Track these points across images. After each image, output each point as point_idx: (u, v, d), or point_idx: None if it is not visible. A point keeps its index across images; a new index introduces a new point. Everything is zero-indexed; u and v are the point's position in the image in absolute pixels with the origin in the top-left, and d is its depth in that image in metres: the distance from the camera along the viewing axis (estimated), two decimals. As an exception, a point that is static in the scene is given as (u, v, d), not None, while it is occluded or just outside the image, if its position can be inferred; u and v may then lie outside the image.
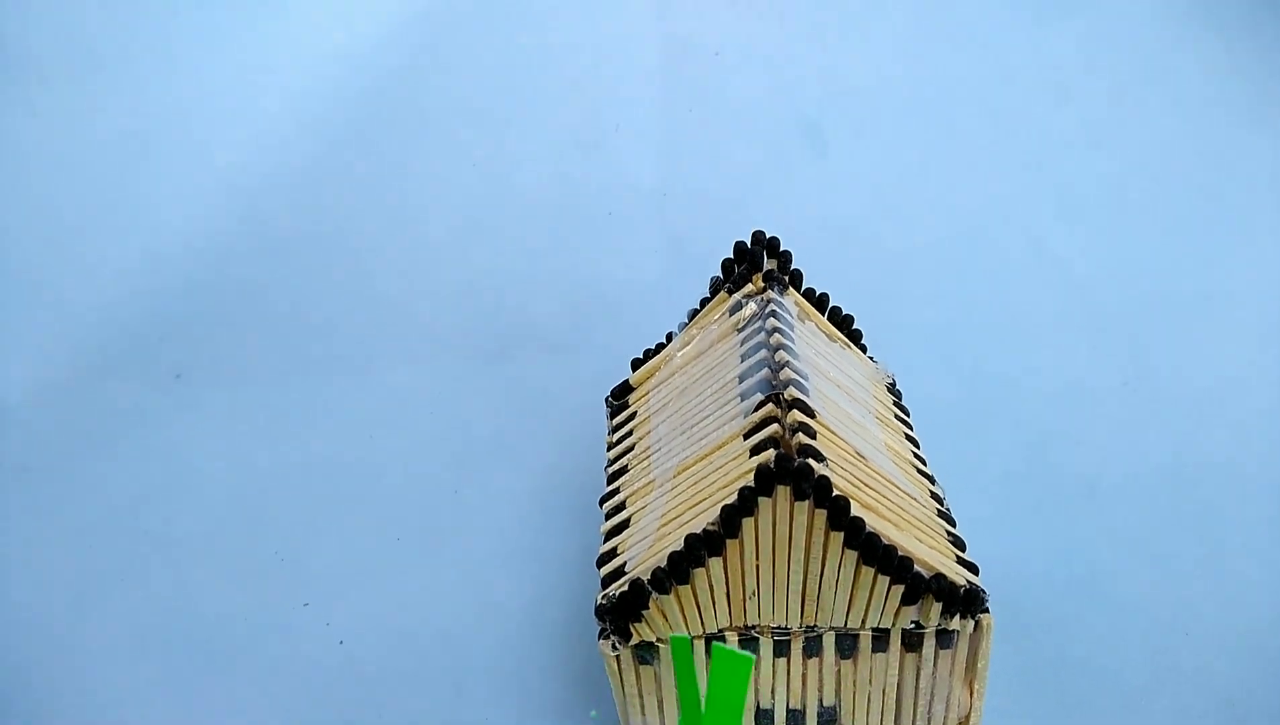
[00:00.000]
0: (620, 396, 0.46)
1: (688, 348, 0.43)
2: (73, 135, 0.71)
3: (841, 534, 0.33)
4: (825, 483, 0.32)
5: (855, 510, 0.33)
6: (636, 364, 0.47)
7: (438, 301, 0.66)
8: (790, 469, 0.32)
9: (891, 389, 0.45)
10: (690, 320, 0.45)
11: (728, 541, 0.33)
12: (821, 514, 0.32)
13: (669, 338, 0.46)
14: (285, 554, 0.53)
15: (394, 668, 0.45)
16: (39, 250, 0.70)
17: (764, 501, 0.32)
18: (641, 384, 0.46)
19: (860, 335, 0.47)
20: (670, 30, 0.71)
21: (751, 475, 0.32)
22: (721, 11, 0.70)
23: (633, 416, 0.44)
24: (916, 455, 0.41)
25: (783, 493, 0.32)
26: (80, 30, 0.70)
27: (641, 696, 0.36)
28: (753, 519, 0.33)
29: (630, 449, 0.42)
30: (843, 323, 0.46)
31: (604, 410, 0.47)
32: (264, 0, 0.71)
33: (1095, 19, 0.67)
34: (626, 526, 0.38)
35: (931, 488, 0.40)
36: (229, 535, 0.55)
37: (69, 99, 0.70)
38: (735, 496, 0.33)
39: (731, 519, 0.33)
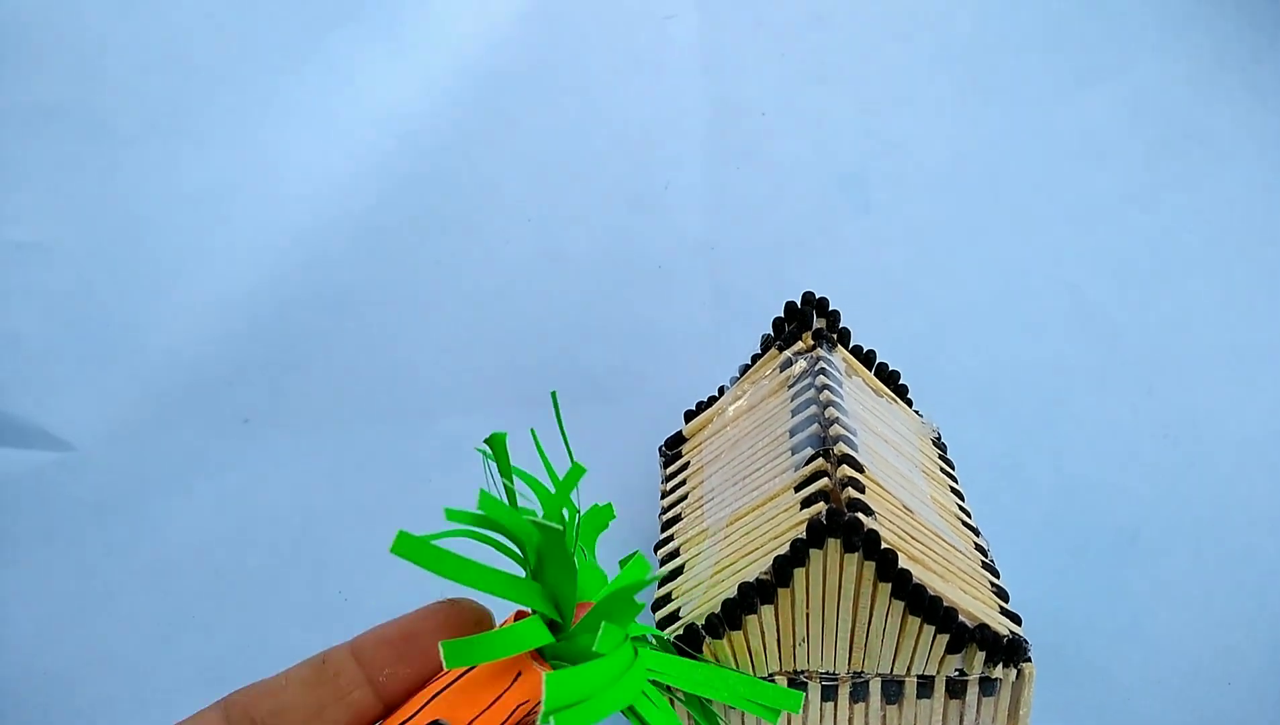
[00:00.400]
0: (674, 446, 0.48)
1: (740, 402, 0.45)
2: (150, 191, 0.74)
3: (889, 585, 0.34)
4: (874, 536, 0.34)
5: (903, 562, 0.34)
6: (690, 416, 0.49)
7: (494, 352, 0.69)
8: (840, 522, 0.34)
9: (937, 443, 0.47)
10: (742, 375, 0.47)
11: (779, 590, 0.35)
12: (870, 565, 0.34)
13: (721, 391, 0.48)
14: (349, 593, 0.55)
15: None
16: (116, 299, 0.74)
17: (815, 553, 0.34)
18: (694, 435, 0.48)
19: (906, 390, 0.48)
20: (717, 90, 0.73)
21: (803, 527, 0.34)
22: (767, 71, 0.73)
23: (686, 466, 0.46)
24: (961, 508, 0.43)
25: (833, 545, 0.34)
26: (159, 92, 0.74)
27: (695, 738, 0.38)
28: (804, 569, 0.34)
29: (684, 498, 0.44)
30: (889, 378, 0.47)
31: (657, 459, 0.49)
32: (332, 65, 0.74)
33: (1134, 80, 0.69)
34: (680, 573, 0.40)
35: (976, 539, 0.41)
36: (295, 575, 0.57)
37: (148, 156, 0.74)
38: (788, 547, 0.34)
39: (784, 569, 0.34)
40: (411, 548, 0.26)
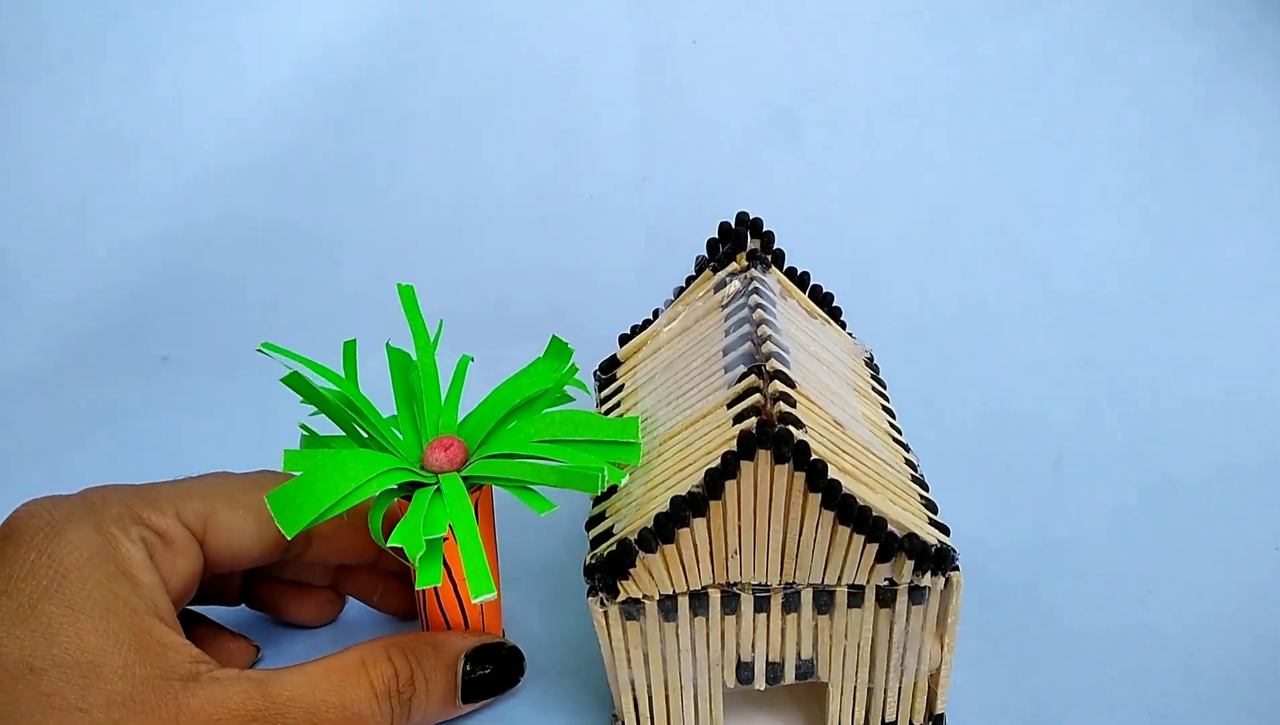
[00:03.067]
0: (608, 370, 0.48)
1: (673, 323, 0.45)
2: (50, 130, 0.71)
3: (819, 495, 0.35)
4: (804, 447, 0.34)
5: (832, 473, 0.35)
6: (624, 339, 0.48)
7: (421, 286, 0.67)
8: (771, 434, 0.34)
9: (869, 363, 0.47)
10: (676, 297, 0.47)
11: (711, 503, 0.35)
12: (800, 476, 0.34)
13: (655, 314, 0.48)
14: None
15: (389, 628, 0.47)
16: (15, 246, 0.71)
17: (746, 465, 0.34)
18: (628, 358, 0.47)
19: (839, 312, 0.49)
20: (646, 20, 0.72)
21: (734, 442, 0.34)
22: (696, 1, 0.72)
23: (620, 389, 0.46)
24: (892, 425, 0.44)
25: (763, 457, 0.34)
26: (56, 27, 0.71)
27: (628, 650, 0.38)
28: (735, 481, 0.35)
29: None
30: (823, 301, 0.48)
31: (591, 386, 0.49)
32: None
33: (1055, 14, 0.69)
34: (614, 491, 0.40)
35: (906, 455, 0.42)
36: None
37: (45, 94, 0.71)
38: (719, 461, 0.34)
39: (715, 481, 0.35)
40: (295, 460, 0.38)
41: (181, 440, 0.62)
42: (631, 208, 0.69)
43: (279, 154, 0.73)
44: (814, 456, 0.34)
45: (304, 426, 0.42)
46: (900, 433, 0.44)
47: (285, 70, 0.73)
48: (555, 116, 0.72)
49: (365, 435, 0.41)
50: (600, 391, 0.47)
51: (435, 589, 0.41)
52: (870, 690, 0.40)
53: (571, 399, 0.43)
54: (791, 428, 0.34)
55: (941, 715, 0.40)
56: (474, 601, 0.37)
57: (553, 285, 0.68)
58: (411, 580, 0.40)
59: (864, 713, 0.40)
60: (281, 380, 0.40)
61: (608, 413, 0.45)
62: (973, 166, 0.69)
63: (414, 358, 0.43)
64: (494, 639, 0.42)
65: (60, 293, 0.70)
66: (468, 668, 0.41)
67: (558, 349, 0.43)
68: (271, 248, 0.72)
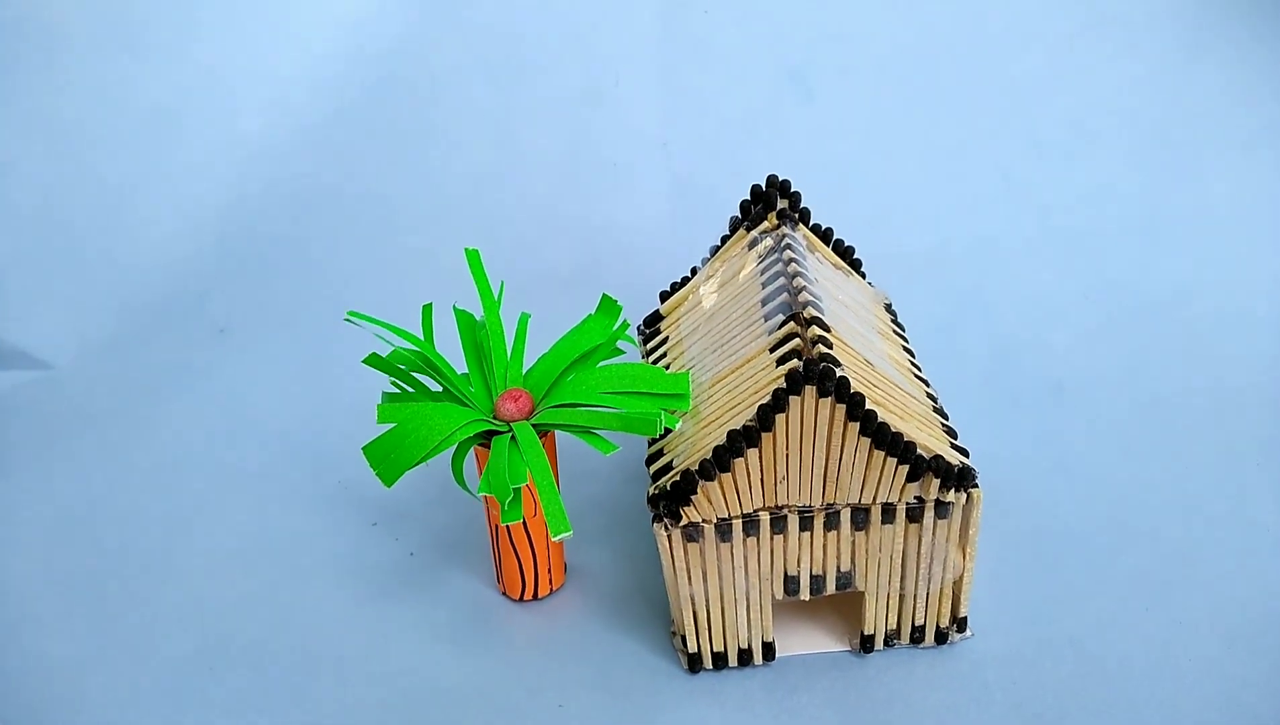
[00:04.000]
0: (651, 324, 0.52)
1: (712, 279, 0.50)
2: (106, 104, 0.74)
3: (858, 424, 0.39)
4: (845, 382, 0.39)
5: (868, 405, 0.39)
6: (664, 296, 0.53)
7: (460, 250, 0.72)
8: (816, 372, 0.38)
9: (888, 308, 0.52)
10: (712, 256, 0.52)
11: (763, 434, 0.40)
12: (841, 408, 0.39)
13: (693, 272, 0.52)
14: (348, 482, 0.59)
15: (460, 567, 0.52)
16: (80, 216, 0.74)
17: (794, 399, 0.39)
18: (671, 312, 0.52)
19: (860, 263, 0.53)
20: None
21: (781, 380, 0.39)
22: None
23: (665, 341, 0.50)
24: (912, 362, 0.48)
25: (809, 392, 0.39)
26: (107, 7, 0.73)
27: (689, 569, 0.43)
28: (784, 415, 0.39)
29: (667, 368, 0.49)
30: (845, 253, 0.52)
31: (636, 338, 0.53)
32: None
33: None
34: (669, 431, 0.45)
35: (927, 388, 0.47)
36: (292, 469, 0.60)
37: (100, 72, 0.74)
38: (769, 397, 0.39)
39: (767, 415, 0.39)
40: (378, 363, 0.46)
41: (246, 400, 0.66)
42: (656, 168, 0.73)
43: (321, 123, 0.76)
44: (853, 390, 0.39)
45: (388, 393, 0.46)
46: (920, 369, 0.48)
47: (322, 42, 0.76)
48: (578, 82, 0.75)
49: (441, 390, 0.46)
50: (645, 343, 0.52)
51: (509, 525, 0.46)
52: (902, 597, 0.45)
53: (622, 352, 0.47)
54: (831, 365, 0.39)
55: (964, 618, 0.46)
56: (553, 539, 0.42)
57: (584, 243, 0.72)
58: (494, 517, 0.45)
59: (896, 618, 0.45)
60: (363, 361, 0.44)
61: (654, 363, 0.50)
62: (976, 114, 0.73)
63: (478, 318, 0.47)
64: None
65: (125, 263, 0.74)
66: None
67: (608, 306, 0.48)
68: (319, 212, 0.75)
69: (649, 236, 0.71)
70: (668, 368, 0.49)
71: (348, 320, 0.46)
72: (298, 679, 0.47)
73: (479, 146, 0.75)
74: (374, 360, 0.45)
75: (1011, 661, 0.45)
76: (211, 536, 0.56)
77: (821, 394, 0.39)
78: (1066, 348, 0.63)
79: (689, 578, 0.43)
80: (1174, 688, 0.43)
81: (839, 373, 0.39)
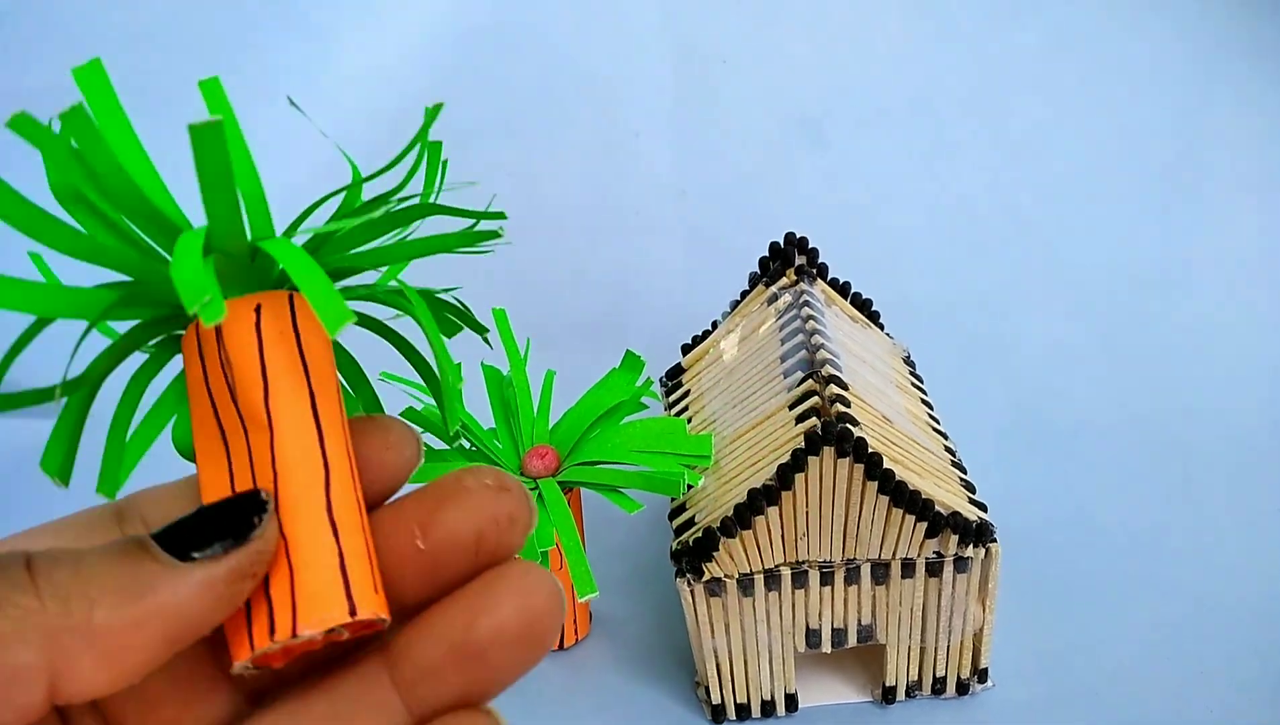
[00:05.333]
0: (673, 377, 0.53)
1: (732, 334, 0.51)
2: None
3: (876, 483, 0.40)
4: (863, 443, 0.39)
5: (886, 464, 0.40)
6: (686, 349, 0.54)
7: (481, 303, 0.73)
8: (833, 433, 0.39)
9: (907, 361, 0.53)
10: (732, 310, 0.53)
11: (783, 493, 0.41)
12: (859, 468, 0.40)
13: (714, 326, 0.54)
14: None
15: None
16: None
17: (812, 459, 0.40)
18: (692, 366, 0.53)
19: (878, 316, 0.54)
20: (678, 38, 0.77)
21: (800, 439, 0.40)
22: (726, 17, 0.77)
23: (687, 393, 0.52)
24: (931, 416, 0.49)
25: (828, 452, 0.40)
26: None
27: (711, 623, 0.44)
28: (803, 474, 0.40)
29: (689, 421, 0.50)
30: (863, 306, 0.53)
31: (658, 391, 0.54)
32: (296, 26, 0.77)
33: (1061, 13, 0.74)
34: (692, 486, 0.46)
35: (945, 442, 0.47)
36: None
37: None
38: (788, 457, 0.40)
39: (786, 474, 0.40)
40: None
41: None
42: (672, 219, 0.75)
43: (342, 177, 0.78)
44: (870, 450, 0.40)
45: (424, 444, 0.48)
46: (938, 422, 0.49)
47: (342, 98, 0.78)
48: (598, 134, 0.77)
49: (471, 448, 0.47)
50: (668, 396, 0.53)
51: None
52: (923, 649, 0.45)
53: (646, 407, 0.49)
54: (849, 426, 0.40)
55: (985, 669, 0.46)
56: (580, 600, 0.42)
57: (605, 295, 0.73)
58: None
59: (918, 669, 0.46)
60: (400, 413, 0.46)
61: (676, 415, 0.51)
62: (987, 163, 0.74)
63: (505, 373, 0.49)
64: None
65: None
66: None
67: (631, 362, 0.49)
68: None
69: (668, 286, 0.72)
70: (689, 421, 0.50)
71: (381, 379, 0.47)
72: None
73: (497, 200, 0.76)
74: (410, 414, 0.46)
75: (1032, 711, 0.46)
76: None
77: (840, 454, 0.40)
78: (1083, 396, 0.64)
79: (712, 631, 0.44)
80: (1195, 740, 0.44)
81: (856, 433, 0.40)
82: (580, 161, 0.76)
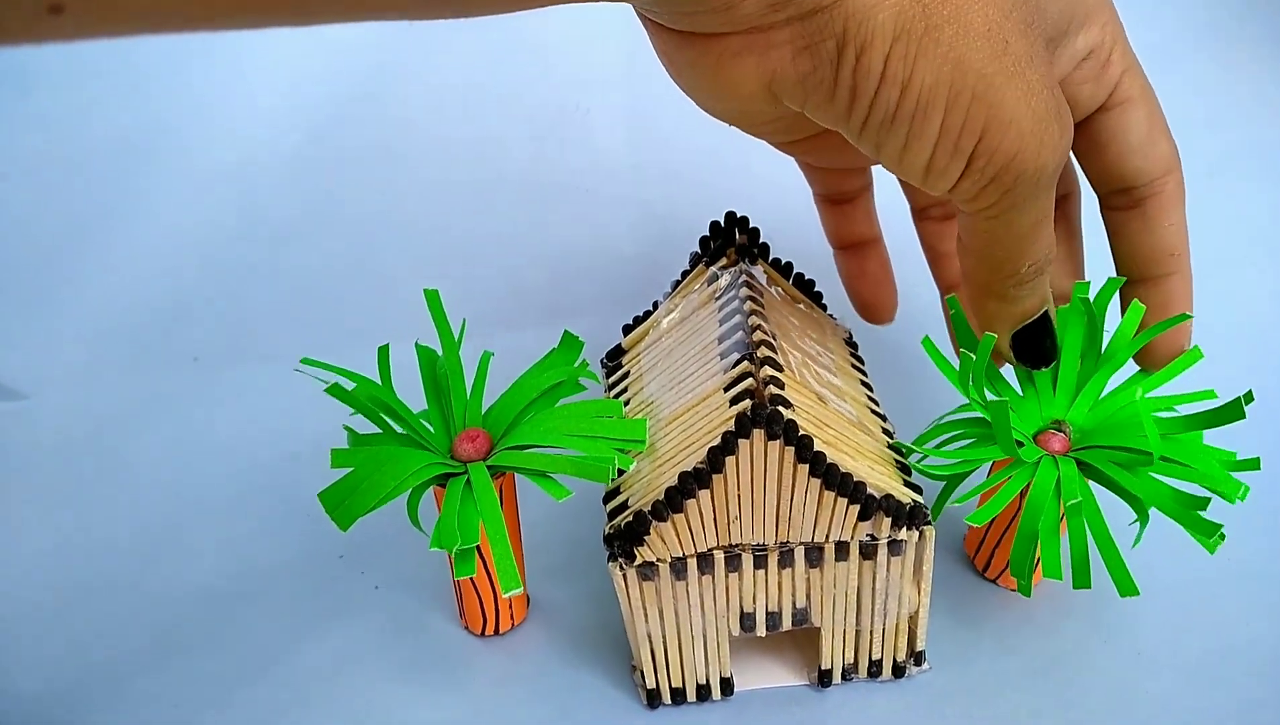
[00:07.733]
0: (614, 358, 0.53)
1: (672, 314, 0.50)
2: (78, 133, 0.75)
3: (807, 466, 0.40)
4: (793, 425, 0.39)
5: (818, 446, 0.40)
6: (627, 330, 0.53)
7: (430, 280, 0.72)
8: (764, 415, 0.39)
9: (849, 342, 0.52)
10: (673, 290, 0.52)
11: (714, 476, 0.40)
12: (790, 450, 0.39)
13: (655, 306, 0.53)
14: (317, 514, 0.59)
15: (425, 601, 0.52)
16: (53, 245, 0.74)
17: (743, 442, 0.39)
18: (633, 347, 0.52)
19: (821, 296, 0.53)
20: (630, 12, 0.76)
21: (732, 422, 0.39)
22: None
23: (626, 375, 0.51)
24: (870, 397, 0.49)
25: (758, 435, 0.39)
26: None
27: (645, 607, 0.43)
28: (734, 457, 0.40)
29: (627, 403, 0.49)
30: (806, 286, 0.53)
31: (599, 372, 0.54)
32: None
33: None
34: (624, 471, 0.45)
35: (884, 425, 0.47)
36: (262, 499, 0.61)
37: (72, 101, 0.74)
38: (719, 439, 0.39)
39: (716, 457, 0.40)
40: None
41: (218, 430, 0.66)
42: (621, 201, 0.74)
43: (292, 153, 0.76)
44: (801, 432, 0.39)
45: (348, 428, 0.47)
46: (878, 403, 0.49)
47: (294, 73, 0.76)
48: (547, 107, 0.76)
49: (400, 432, 0.46)
50: (608, 377, 0.52)
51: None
52: (858, 632, 0.45)
53: (584, 388, 0.48)
54: (781, 408, 0.39)
55: (921, 652, 0.46)
56: (504, 596, 0.42)
57: (554, 271, 0.72)
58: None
59: (853, 652, 0.46)
60: (326, 390, 0.45)
61: (615, 396, 0.50)
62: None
63: (440, 355, 0.48)
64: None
65: (97, 292, 0.74)
66: None
67: (569, 342, 0.48)
68: (291, 243, 0.76)
69: (618, 264, 0.71)
70: (627, 403, 0.49)
71: (298, 370, 0.46)
72: (263, 714, 0.47)
73: (447, 175, 0.75)
74: (337, 391, 0.45)
75: (970, 694, 0.46)
76: (178, 567, 0.56)
77: (770, 437, 0.39)
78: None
79: (645, 615, 0.44)
80: (1132, 722, 0.44)
81: (788, 415, 0.39)
82: (530, 138, 0.75)
